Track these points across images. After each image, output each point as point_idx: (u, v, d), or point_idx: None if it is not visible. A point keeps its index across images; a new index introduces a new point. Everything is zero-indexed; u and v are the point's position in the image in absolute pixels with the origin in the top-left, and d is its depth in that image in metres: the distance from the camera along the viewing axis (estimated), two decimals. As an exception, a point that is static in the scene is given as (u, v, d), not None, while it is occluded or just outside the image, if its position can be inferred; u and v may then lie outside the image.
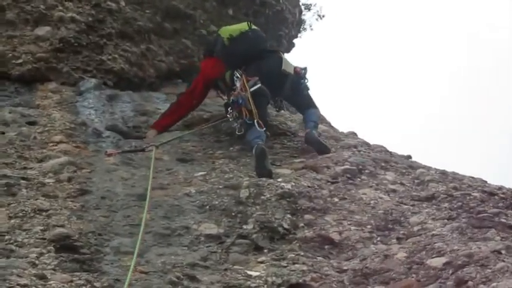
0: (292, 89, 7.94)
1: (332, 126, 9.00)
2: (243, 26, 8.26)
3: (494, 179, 6.53)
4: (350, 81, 56.62)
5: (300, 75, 8.01)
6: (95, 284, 4.41)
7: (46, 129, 7.16)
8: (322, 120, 8.79)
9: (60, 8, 8.67)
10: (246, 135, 7.25)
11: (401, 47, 62.69)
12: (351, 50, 58.53)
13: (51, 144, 6.88)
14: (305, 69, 8.06)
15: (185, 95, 8.36)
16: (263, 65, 7.78)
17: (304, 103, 8.00)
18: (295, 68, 8.00)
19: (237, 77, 7.64)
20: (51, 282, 4.30)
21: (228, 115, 7.60)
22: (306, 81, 8.06)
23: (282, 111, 8.42)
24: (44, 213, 5.33)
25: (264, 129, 7.17)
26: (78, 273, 4.52)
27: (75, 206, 5.62)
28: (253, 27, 8.26)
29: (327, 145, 7.47)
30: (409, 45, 63.40)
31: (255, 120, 7.15)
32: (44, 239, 4.90)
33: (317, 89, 8.26)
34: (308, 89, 8.09)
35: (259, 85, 7.46)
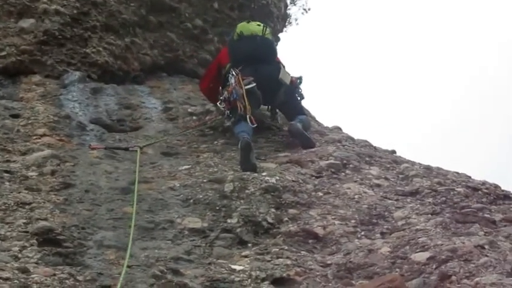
0: (285, 97, 7.99)
1: (316, 121, 9.00)
2: (258, 29, 8.30)
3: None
4: (338, 76, 56.77)
5: (295, 84, 8.08)
6: (77, 277, 4.39)
7: (29, 122, 7.11)
8: (307, 115, 8.77)
9: (45, 0, 8.61)
10: (233, 128, 7.27)
11: (395, 42, 62.93)
12: (340, 44, 58.61)
13: (35, 137, 6.84)
14: (300, 78, 8.14)
15: (201, 80, 8.76)
16: (260, 70, 7.81)
17: (295, 112, 8.02)
18: (291, 78, 8.07)
19: (232, 75, 7.68)
20: (34, 275, 4.28)
21: (221, 107, 7.70)
22: (300, 90, 8.16)
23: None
24: (27, 207, 5.30)
25: (256, 125, 7.20)
26: (61, 267, 4.51)
27: (58, 199, 5.59)
28: (266, 34, 8.30)
29: (311, 138, 7.48)
30: (402, 41, 63.61)
31: (248, 116, 7.20)
32: (27, 232, 4.88)
33: (303, 84, 8.31)
34: (303, 98, 8.21)
35: (254, 85, 7.55)
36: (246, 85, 7.49)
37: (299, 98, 8.19)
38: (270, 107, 8.20)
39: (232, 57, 8.08)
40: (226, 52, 8.34)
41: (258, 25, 8.40)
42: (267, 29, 8.35)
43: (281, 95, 7.93)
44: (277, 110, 8.26)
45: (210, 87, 8.39)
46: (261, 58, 7.99)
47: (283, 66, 8.18)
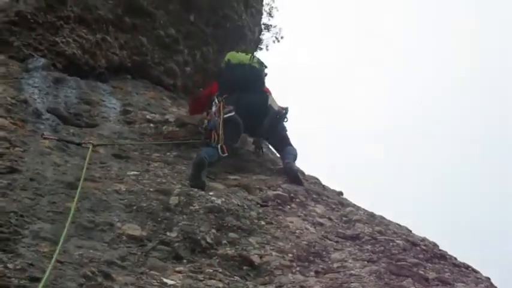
0: (271, 127, 8.03)
1: (269, 148, 9.03)
2: (245, 58, 8.43)
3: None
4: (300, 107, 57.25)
5: (280, 114, 8.13)
6: (8, 265, 4.31)
7: (-15, 100, 7.01)
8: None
9: (23, -19, 8.54)
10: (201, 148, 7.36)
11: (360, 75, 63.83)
12: (307, 72, 59.39)
13: (-12, 116, 6.74)
14: (286, 109, 8.21)
15: (191, 99, 9.05)
16: (243, 99, 7.91)
17: (281, 143, 8.14)
18: (279, 109, 8.15)
19: (215, 103, 7.80)
20: (-37, 257, 4.21)
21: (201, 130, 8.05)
22: (285, 120, 8.21)
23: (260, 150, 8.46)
24: (-33, 186, 5.22)
25: (226, 154, 7.28)
26: (-8, 251, 4.43)
27: (1, 182, 5.50)
28: (254, 63, 8.39)
29: (301, 179, 7.56)
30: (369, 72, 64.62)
31: (219, 145, 7.28)
32: (-37, 211, 4.80)
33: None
34: (286, 130, 8.26)
35: (232, 113, 7.63)
36: (225, 114, 7.60)
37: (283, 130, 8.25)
38: (254, 139, 8.32)
39: (220, 85, 8.22)
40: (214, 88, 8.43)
41: (246, 54, 8.55)
42: (255, 58, 8.45)
43: (266, 124, 7.98)
44: (263, 144, 8.44)
45: (196, 109, 8.64)
46: (247, 86, 8.07)
47: (271, 94, 8.28)
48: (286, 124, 8.27)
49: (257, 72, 8.41)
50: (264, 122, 7.97)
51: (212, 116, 7.70)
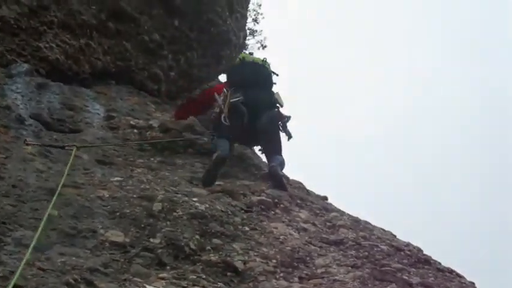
0: (269, 125, 8.10)
1: (255, 153, 9.03)
2: (258, 59, 8.75)
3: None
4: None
5: (282, 118, 8.22)
6: (-11, 273, 4.30)
7: (-32, 107, 6.98)
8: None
9: (6, -13, 8.51)
10: (215, 142, 7.64)
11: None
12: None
13: (-30, 123, 6.71)
14: (289, 118, 8.28)
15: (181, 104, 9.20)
16: (249, 93, 8.06)
17: (273, 148, 8.12)
18: (282, 113, 8.28)
19: (223, 92, 8.01)
20: None
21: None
22: (287, 129, 8.27)
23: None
24: (-51, 194, 5.19)
25: (228, 123, 7.60)
26: (-26, 260, 4.40)
27: (-17, 189, 5.48)
28: (267, 64, 8.63)
29: (285, 185, 7.52)
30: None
31: (223, 116, 7.62)
32: None
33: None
34: (291, 137, 8.29)
35: (241, 98, 7.89)
36: (232, 98, 7.83)
37: (287, 137, 8.27)
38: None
39: (230, 80, 8.45)
40: (223, 85, 8.53)
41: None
42: (267, 62, 8.67)
43: (264, 119, 8.03)
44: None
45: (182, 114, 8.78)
46: (256, 84, 8.25)
47: (277, 93, 8.45)
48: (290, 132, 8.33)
49: (268, 72, 8.63)
50: (263, 116, 8.05)
51: (218, 101, 7.92)
